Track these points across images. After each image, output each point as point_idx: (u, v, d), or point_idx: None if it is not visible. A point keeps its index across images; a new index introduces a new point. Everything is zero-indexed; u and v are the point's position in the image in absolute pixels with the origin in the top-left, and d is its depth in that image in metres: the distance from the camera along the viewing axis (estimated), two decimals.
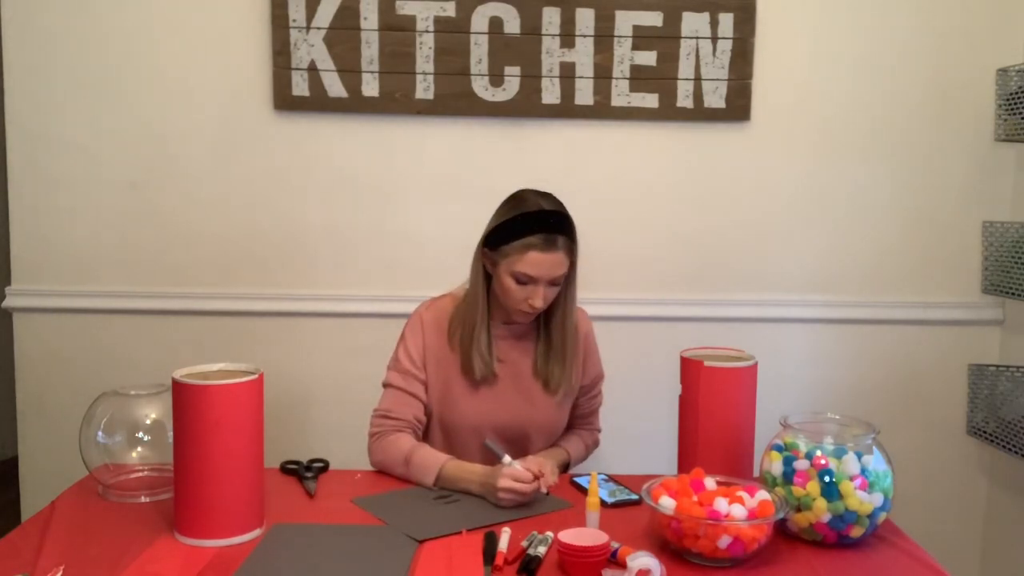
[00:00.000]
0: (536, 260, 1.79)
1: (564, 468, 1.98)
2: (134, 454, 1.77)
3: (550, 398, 1.94)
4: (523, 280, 1.82)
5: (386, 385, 1.95)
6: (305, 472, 1.86)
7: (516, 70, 2.52)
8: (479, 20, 2.50)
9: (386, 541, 1.54)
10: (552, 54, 2.52)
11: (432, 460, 1.82)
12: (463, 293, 1.96)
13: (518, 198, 1.88)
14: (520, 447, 1.92)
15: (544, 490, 1.73)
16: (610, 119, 2.56)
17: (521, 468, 1.72)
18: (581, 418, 2.07)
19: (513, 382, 1.94)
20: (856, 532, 1.54)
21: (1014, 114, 2.47)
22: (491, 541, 1.53)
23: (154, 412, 1.76)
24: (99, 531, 1.58)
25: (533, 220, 1.80)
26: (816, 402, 2.63)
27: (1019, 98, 2.45)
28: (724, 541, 1.44)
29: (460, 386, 1.92)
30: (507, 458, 1.74)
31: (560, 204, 1.86)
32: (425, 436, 1.97)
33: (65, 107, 2.54)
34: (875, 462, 1.56)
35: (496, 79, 2.53)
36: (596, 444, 2.10)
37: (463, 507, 1.70)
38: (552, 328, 1.93)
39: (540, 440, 1.97)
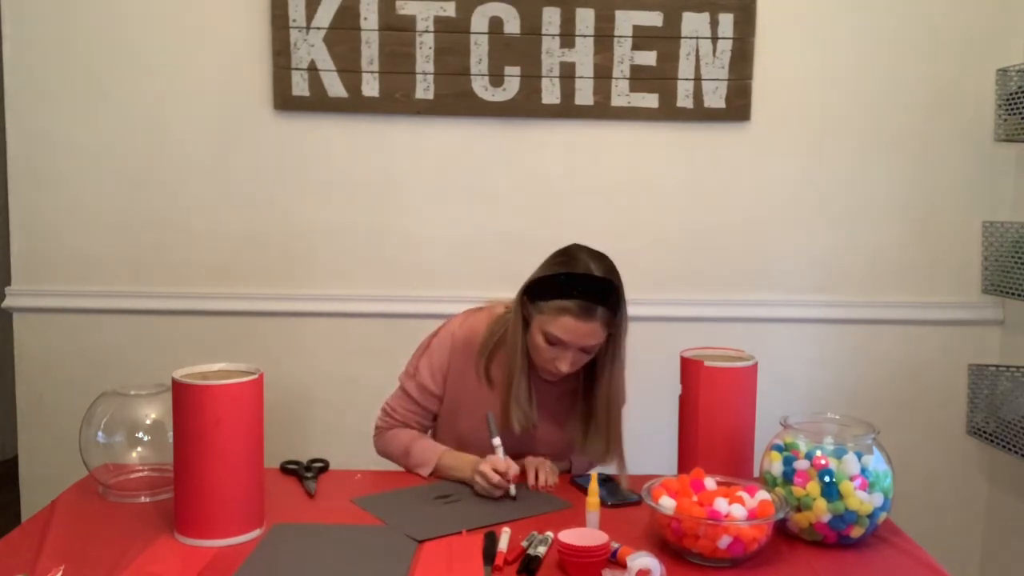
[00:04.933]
0: (568, 326, 1.69)
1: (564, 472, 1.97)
2: (134, 454, 1.77)
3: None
4: (553, 341, 1.72)
5: (402, 386, 1.95)
6: (305, 472, 1.86)
7: (516, 70, 2.52)
8: (479, 20, 2.50)
9: (386, 541, 1.54)
10: (552, 54, 2.52)
11: (431, 451, 1.85)
12: (502, 310, 1.88)
13: (568, 254, 1.76)
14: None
15: (512, 493, 1.71)
16: (610, 119, 2.56)
17: (504, 459, 1.73)
18: None
19: (547, 424, 1.88)
20: (856, 532, 1.54)
21: (1014, 114, 2.47)
22: (491, 541, 1.53)
23: (154, 412, 1.76)
24: (99, 531, 1.58)
25: (575, 283, 1.69)
26: (816, 402, 2.62)
27: (1019, 98, 2.45)
28: (724, 541, 1.44)
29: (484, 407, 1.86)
30: (497, 440, 1.76)
31: (612, 271, 1.74)
32: (436, 439, 1.96)
33: (65, 107, 2.54)
34: (875, 462, 1.56)
35: (496, 79, 2.53)
36: (602, 461, 2.09)
37: (463, 507, 1.70)
38: (595, 398, 1.83)
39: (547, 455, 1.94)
